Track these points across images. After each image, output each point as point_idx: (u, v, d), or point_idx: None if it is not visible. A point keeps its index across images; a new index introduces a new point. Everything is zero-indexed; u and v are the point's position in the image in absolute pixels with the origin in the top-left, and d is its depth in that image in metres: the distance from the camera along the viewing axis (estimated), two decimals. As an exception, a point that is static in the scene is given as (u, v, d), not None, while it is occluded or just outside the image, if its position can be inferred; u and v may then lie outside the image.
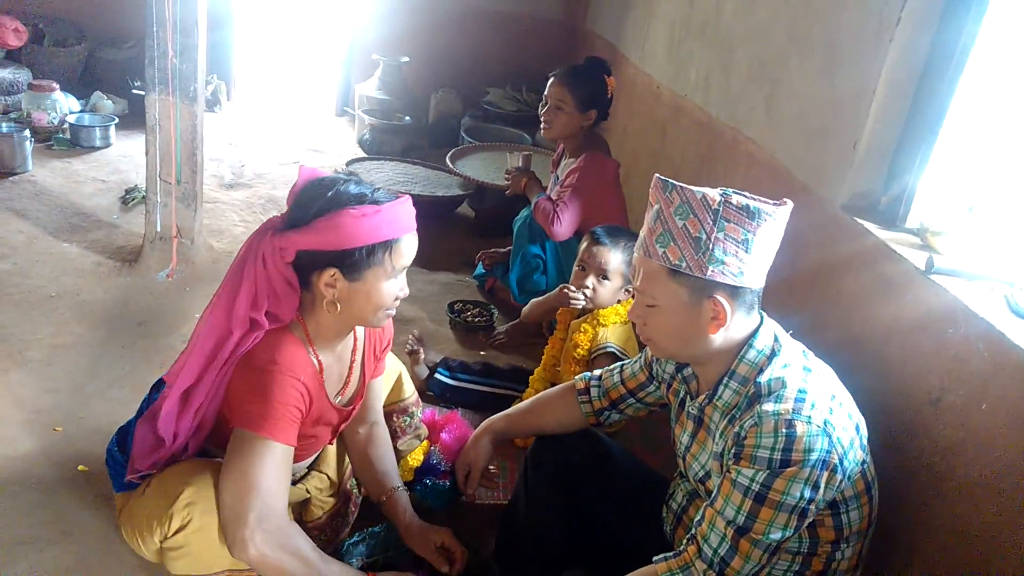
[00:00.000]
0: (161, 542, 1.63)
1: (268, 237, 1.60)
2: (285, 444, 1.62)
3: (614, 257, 2.52)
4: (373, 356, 1.94)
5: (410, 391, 2.19)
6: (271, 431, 1.59)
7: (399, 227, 1.64)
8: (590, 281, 2.55)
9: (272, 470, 1.59)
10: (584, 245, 2.60)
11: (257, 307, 1.60)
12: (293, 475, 1.88)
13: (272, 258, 1.60)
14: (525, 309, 3.00)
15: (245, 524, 1.55)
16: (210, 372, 1.62)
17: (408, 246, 1.68)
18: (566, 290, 2.61)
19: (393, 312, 1.76)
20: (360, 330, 1.90)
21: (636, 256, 1.58)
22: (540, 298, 2.90)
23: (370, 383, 1.97)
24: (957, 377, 1.64)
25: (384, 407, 2.11)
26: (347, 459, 2.03)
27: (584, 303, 2.58)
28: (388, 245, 1.63)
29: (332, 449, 2.00)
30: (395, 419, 2.11)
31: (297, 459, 1.82)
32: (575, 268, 2.62)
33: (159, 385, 1.86)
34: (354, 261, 1.60)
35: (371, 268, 1.62)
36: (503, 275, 3.61)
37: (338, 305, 1.65)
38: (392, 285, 1.68)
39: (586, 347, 2.51)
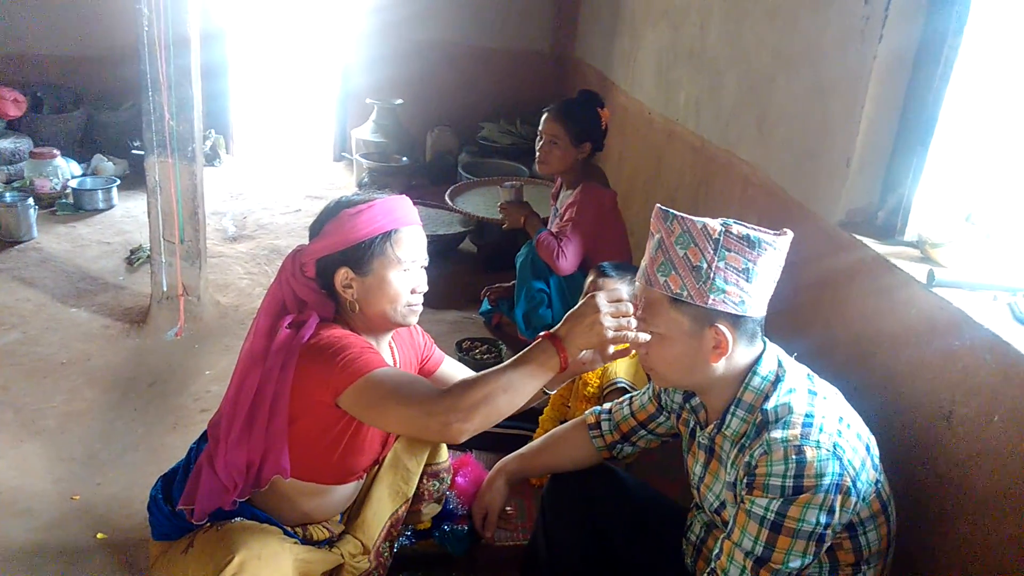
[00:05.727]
0: None
1: (291, 257, 1.77)
2: (385, 367, 1.66)
3: (623, 291, 2.40)
4: (417, 365, 2.03)
5: (445, 456, 2.14)
6: (367, 367, 1.62)
7: (396, 219, 1.75)
8: None
9: (396, 378, 1.63)
10: (590, 279, 2.54)
11: (281, 317, 1.72)
12: (330, 535, 1.89)
13: (294, 273, 1.75)
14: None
15: (439, 417, 1.55)
16: (265, 381, 1.67)
17: (409, 235, 1.77)
18: None
19: (416, 307, 1.81)
20: (394, 347, 1.94)
21: (638, 285, 1.59)
22: None
23: (441, 369, 2.09)
24: (967, 390, 1.63)
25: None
26: (381, 523, 2.00)
27: None
28: (388, 236, 1.73)
29: (370, 514, 1.95)
30: (425, 481, 2.06)
31: (343, 480, 1.86)
32: None
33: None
34: (360, 255, 1.72)
35: (377, 259, 1.72)
36: (509, 310, 3.62)
37: (357, 305, 1.74)
38: (403, 276, 1.75)
39: (596, 384, 2.47)
